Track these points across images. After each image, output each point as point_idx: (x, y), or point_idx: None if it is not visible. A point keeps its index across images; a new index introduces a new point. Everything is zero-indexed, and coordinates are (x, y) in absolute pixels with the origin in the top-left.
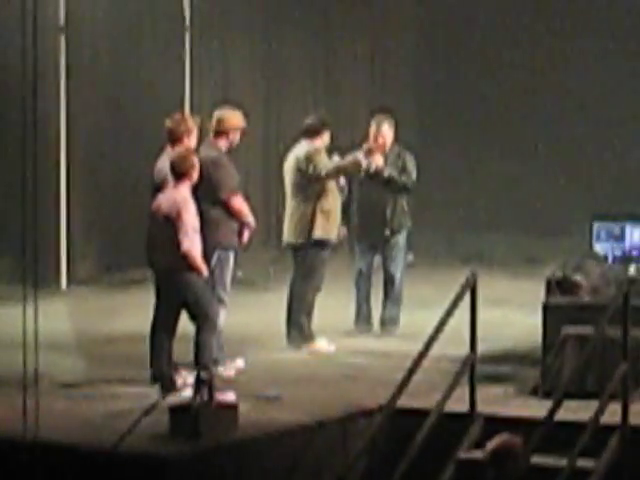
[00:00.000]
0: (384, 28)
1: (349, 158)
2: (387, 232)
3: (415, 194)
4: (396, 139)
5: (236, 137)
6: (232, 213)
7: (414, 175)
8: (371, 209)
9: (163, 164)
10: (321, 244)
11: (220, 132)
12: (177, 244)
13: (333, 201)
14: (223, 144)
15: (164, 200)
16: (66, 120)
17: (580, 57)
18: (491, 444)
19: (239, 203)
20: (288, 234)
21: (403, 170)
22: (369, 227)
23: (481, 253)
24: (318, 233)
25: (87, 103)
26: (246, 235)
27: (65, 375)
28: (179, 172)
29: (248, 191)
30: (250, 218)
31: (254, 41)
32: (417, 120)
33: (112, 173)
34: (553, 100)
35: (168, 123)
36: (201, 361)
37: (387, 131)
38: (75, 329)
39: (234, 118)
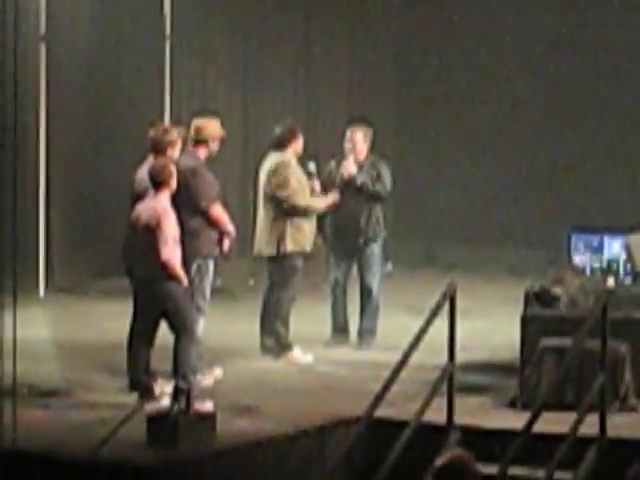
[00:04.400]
0: (363, 38)
1: (319, 202)
2: (361, 241)
3: (394, 204)
4: (372, 149)
5: (215, 146)
6: (212, 222)
7: (389, 184)
8: (345, 218)
9: (144, 173)
10: (294, 256)
11: (199, 141)
12: (157, 253)
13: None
14: (202, 153)
15: (144, 209)
16: (46, 129)
17: (559, 73)
18: (440, 460)
19: (218, 212)
20: (259, 245)
21: (378, 179)
22: (343, 236)
23: (460, 263)
24: (290, 246)
25: (67, 112)
26: (226, 244)
27: (43, 383)
28: (158, 181)
29: (226, 200)
30: (230, 227)
31: (234, 52)
32: (396, 130)
33: (91, 181)
34: (532, 113)
35: (152, 132)
36: (180, 370)
37: (361, 140)
38: (53, 337)
39: (213, 127)
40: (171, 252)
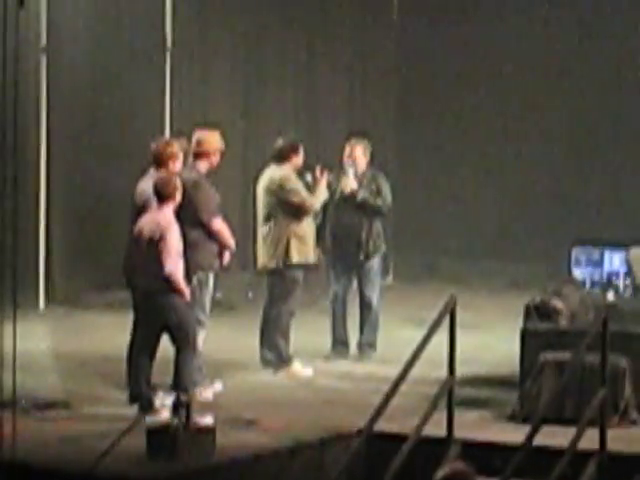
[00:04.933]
0: (364, 51)
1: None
2: (362, 256)
3: (395, 217)
4: (371, 163)
5: (216, 159)
6: (212, 235)
7: (389, 198)
8: (346, 233)
9: (146, 186)
10: (296, 268)
11: (200, 154)
12: (160, 266)
13: (307, 224)
14: (203, 166)
15: (147, 222)
16: (47, 140)
17: (564, 85)
18: (441, 472)
19: (219, 225)
20: (263, 258)
21: (378, 193)
22: (344, 251)
23: (461, 277)
24: (295, 258)
25: (68, 123)
26: (226, 257)
27: (42, 395)
28: (163, 195)
29: (227, 213)
30: (230, 240)
31: (234, 62)
32: (397, 143)
33: (92, 193)
34: (534, 125)
35: (153, 146)
36: (181, 383)
37: (361, 154)
38: (53, 349)
39: (213, 140)
40: (174, 265)
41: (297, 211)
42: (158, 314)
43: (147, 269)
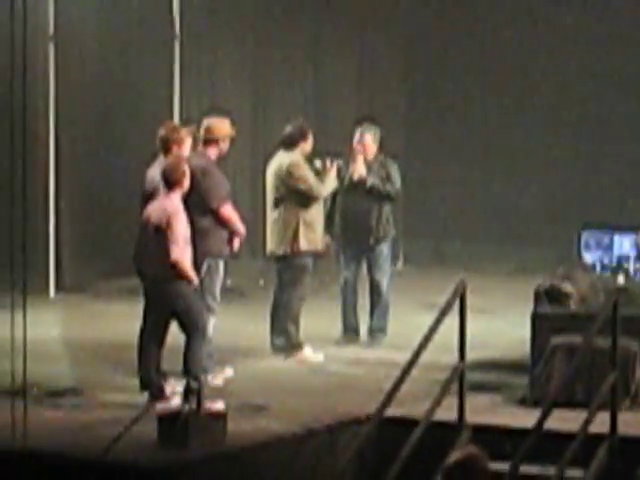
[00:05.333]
0: (373, 35)
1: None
2: (372, 241)
3: (404, 202)
4: (381, 148)
5: (225, 145)
6: (222, 222)
7: (398, 184)
8: (355, 218)
9: (154, 172)
10: (305, 255)
11: (209, 141)
12: (167, 253)
13: (316, 211)
14: (213, 153)
15: (155, 209)
16: (55, 128)
17: (568, 70)
18: (454, 456)
19: (229, 212)
20: (272, 245)
21: (387, 179)
22: (353, 236)
23: (470, 262)
24: (303, 245)
25: (76, 112)
26: (236, 243)
27: (53, 383)
28: (171, 181)
29: (237, 200)
30: (240, 226)
31: (243, 50)
32: (406, 129)
33: (101, 181)
34: (542, 110)
35: (161, 131)
36: (191, 370)
37: (370, 140)
38: (63, 337)
39: (223, 126)
40: (181, 252)
41: (305, 198)
42: (166, 301)
43: (154, 256)
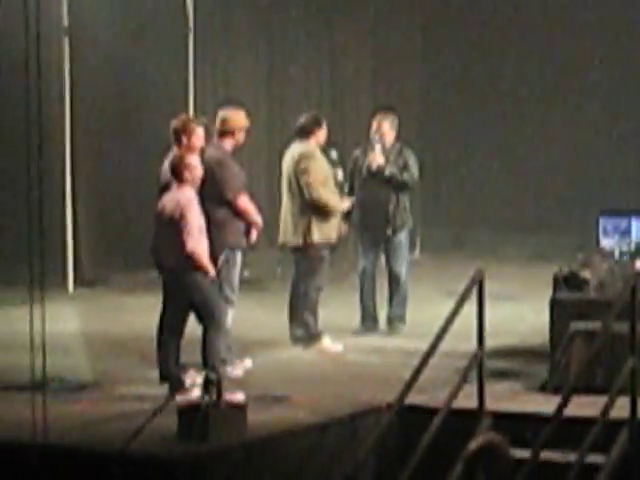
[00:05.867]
0: (388, 24)
1: (338, 203)
2: (389, 230)
3: (421, 190)
4: (398, 137)
5: (241, 137)
6: (238, 213)
7: (416, 173)
8: (373, 207)
9: (168, 165)
10: (320, 246)
11: (225, 132)
12: (182, 245)
13: (333, 198)
14: (228, 144)
15: (168, 201)
16: (70, 122)
17: (582, 61)
18: (475, 443)
19: (244, 203)
20: (285, 235)
21: (404, 168)
22: (371, 225)
23: (488, 249)
24: (316, 236)
25: (91, 104)
26: (254, 235)
27: (73, 377)
28: (176, 174)
29: (253, 191)
30: (257, 217)
31: (257, 42)
32: (422, 117)
33: (118, 175)
34: (560, 97)
35: (174, 123)
36: (209, 361)
37: (388, 129)
38: (82, 331)
39: (238, 117)
40: (196, 243)
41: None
42: (183, 292)
43: (170, 248)
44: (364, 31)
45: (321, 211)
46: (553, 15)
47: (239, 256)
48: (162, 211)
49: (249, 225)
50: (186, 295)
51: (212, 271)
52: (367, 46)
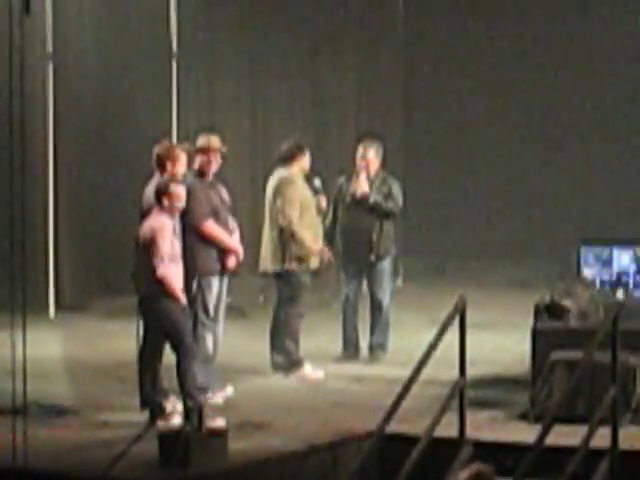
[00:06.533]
0: (371, 54)
1: (314, 247)
2: (373, 258)
3: (403, 219)
4: (383, 165)
5: (216, 160)
6: (206, 240)
7: (400, 201)
8: (357, 234)
9: (151, 191)
10: (300, 272)
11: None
12: (153, 270)
13: (308, 230)
14: (208, 169)
15: (143, 226)
16: (53, 147)
17: (568, 87)
18: (464, 475)
19: (210, 229)
20: (265, 261)
21: (389, 196)
22: (355, 253)
23: (470, 278)
24: (295, 263)
25: (75, 130)
26: (231, 261)
27: (53, 402)
28: (157, 199)
29: (236, 216)
30: (230, 243)
31: (241, 69)
32: (405, 146)
33: (100, 200)
34: (541, 126)
35: (157, 149)
36: (184, 389)
37: (373, 157)
38: (64, 356)
39: (212, 142)
40: (166, 269)
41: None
42: (155, 319)
43: (143, 273)
44: (347, 59)
45: (296, 239)
46: (539, 48)
47: (215, 282)
48: (137, 237)
49: (224, 251)
50: (158, 322)
51: (182, 298)
52: (351, 74)
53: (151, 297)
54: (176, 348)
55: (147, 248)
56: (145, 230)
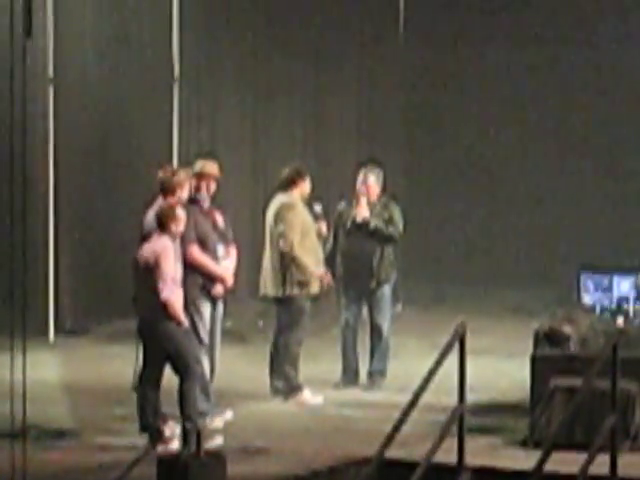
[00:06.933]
0: (372, 81)
1: (315, 271)
2: (373, 283)
3: (403, 245)
4: (384, 191)
5: (212, 187)
6: (191, 266)
7: (401, 226)
8: (357, 260)
9: (152, 215)
10: (300, 297)
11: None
12: (157, 293)
13: (309, 254)
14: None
15: (145, 249)
16: (54, 171)
17: (569, 109)
18: None
19: (194, 255)
20: (265, 286)
21: (390, 221)
22: (355, 278)
23: (470, 304)
24: (296, 288)
25: (76, 154)
26: (218, 288)
27: (53, 426)
28: (159, 224)
29: (236, 241)
30: (214, 269)
31: (243, 94)
32: (406, 171)
33: (100, 224)
34: (541, 153)
35: (160, 174)
36: (185, 412)
37: (374, 182)
38: (63, 380)
39: (209, 167)
40: (170, 291)
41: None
42: (157, 342)
43: (145, 297)
44: (348, 84)
45: (297, 264)
46: (541, 76)
47: (204, 308)
48: (139, 259)
49: (211, 278)
50: (160, 345)
51: (185, 321)
52: (351, 98)
53: (154, 320)
54: (179, 371)
55: (150, 271)
56: (148, 253)
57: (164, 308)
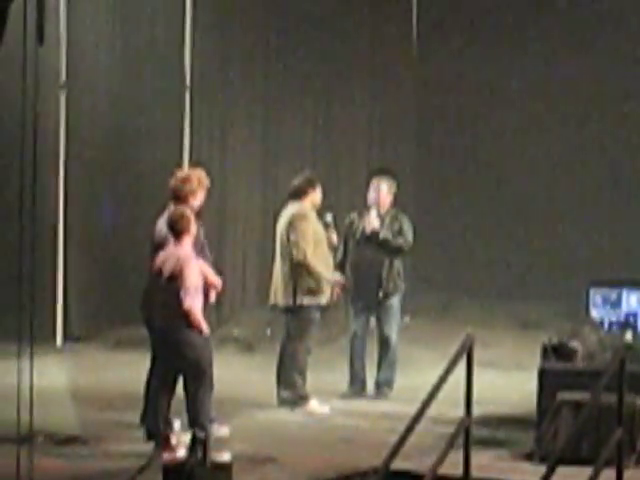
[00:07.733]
0: (383, 90)
1: (330, 278)
2: (381, 294)
3: (412, 256)
4: (395, 201)
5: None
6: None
7: (410, 237)
8: (366, 270)
9: (164, 223)
10: (310, 307)
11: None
12: (179, 302)
13: (321, 264)
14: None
15: (166, 258)
16: (64, 177)
17: (579, 123)
18: None
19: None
20: (275, 295)
21: (399, 232)
22: (364, 289)
23: (477, 316)
24: (306, 298)
25: (86, 160)
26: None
27: (59, 432)
28: (177, 229)
29: (246, 252)
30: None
31: (253, 101)
32: (416, 182)
33: (110, 230)
34: (552, 166)
35: (172, 181)
36: (198, 420)
37: (385, 193)
38: (70, 386)
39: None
40: (192, 300)
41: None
42: (176, 350)
43: (165, 306)
44: (360, 94)
45: (310, 272)
46: (553, 89)
47: None
48: (160, 268)
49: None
50: (179, 353)
51: (206, 329)
52: (363, 109)
53: (175, 328)
54: (197, 379)
55: (174, 279)
56: (172, 261)
57: (186, 316)
